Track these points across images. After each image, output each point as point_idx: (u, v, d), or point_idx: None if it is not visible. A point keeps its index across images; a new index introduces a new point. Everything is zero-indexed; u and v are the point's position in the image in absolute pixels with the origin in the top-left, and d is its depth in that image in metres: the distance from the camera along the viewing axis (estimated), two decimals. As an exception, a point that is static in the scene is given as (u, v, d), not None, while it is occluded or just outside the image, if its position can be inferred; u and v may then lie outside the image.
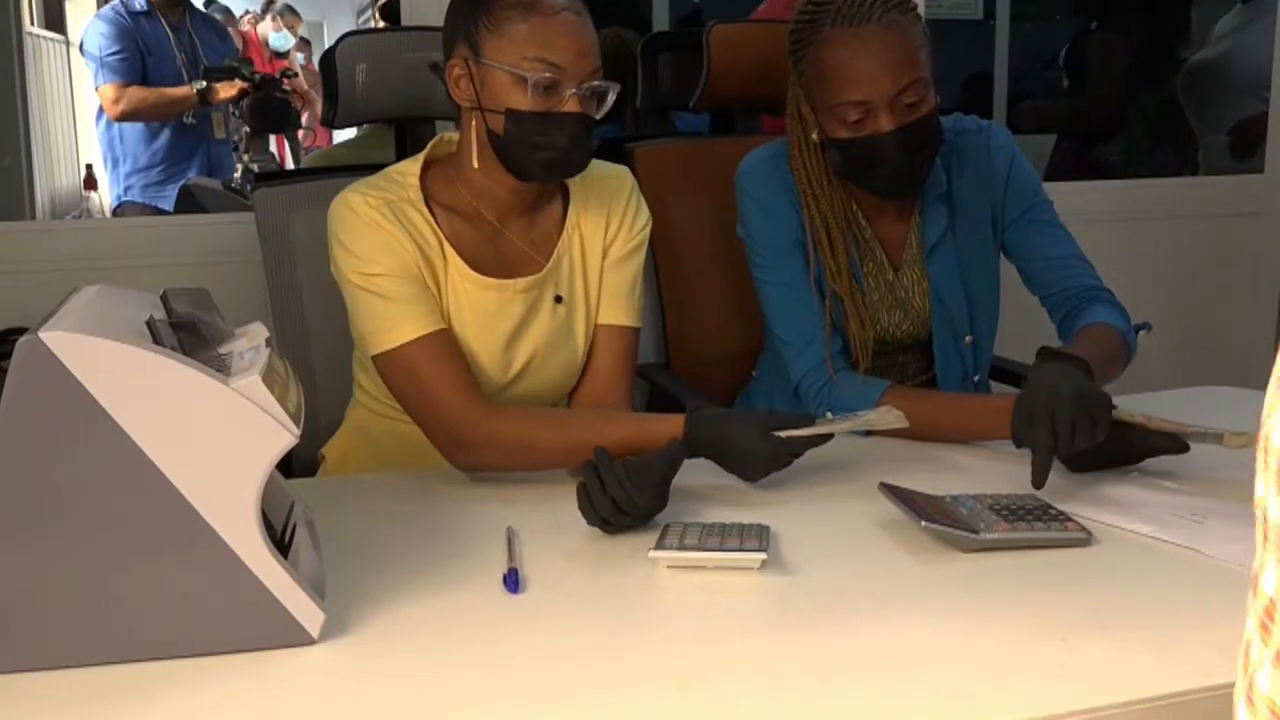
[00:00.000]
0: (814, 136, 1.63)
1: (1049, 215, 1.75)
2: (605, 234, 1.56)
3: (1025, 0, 5.44)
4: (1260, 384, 1.97)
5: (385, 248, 1.42)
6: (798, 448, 1.36)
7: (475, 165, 1.46)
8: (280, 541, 1.07)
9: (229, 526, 0.98)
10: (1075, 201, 2.73)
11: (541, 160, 1.42)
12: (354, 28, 6.31)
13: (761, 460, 1.35)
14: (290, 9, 5.67)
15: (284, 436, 0.98)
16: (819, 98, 1.59)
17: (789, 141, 1.68)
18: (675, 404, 2.07)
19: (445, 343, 1.44)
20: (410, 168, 1.49)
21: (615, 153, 2.22)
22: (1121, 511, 1.30)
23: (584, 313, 1.56)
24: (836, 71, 1.54)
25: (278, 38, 5.38)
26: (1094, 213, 2.71)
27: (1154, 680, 0.96)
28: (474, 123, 1.45)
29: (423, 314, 1.43)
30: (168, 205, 3.49)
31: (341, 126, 1.93)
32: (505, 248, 1.51)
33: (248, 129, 3.97)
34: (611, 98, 1.45)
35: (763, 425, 1.36)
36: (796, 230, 1.67)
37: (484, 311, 1.48)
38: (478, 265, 1.48)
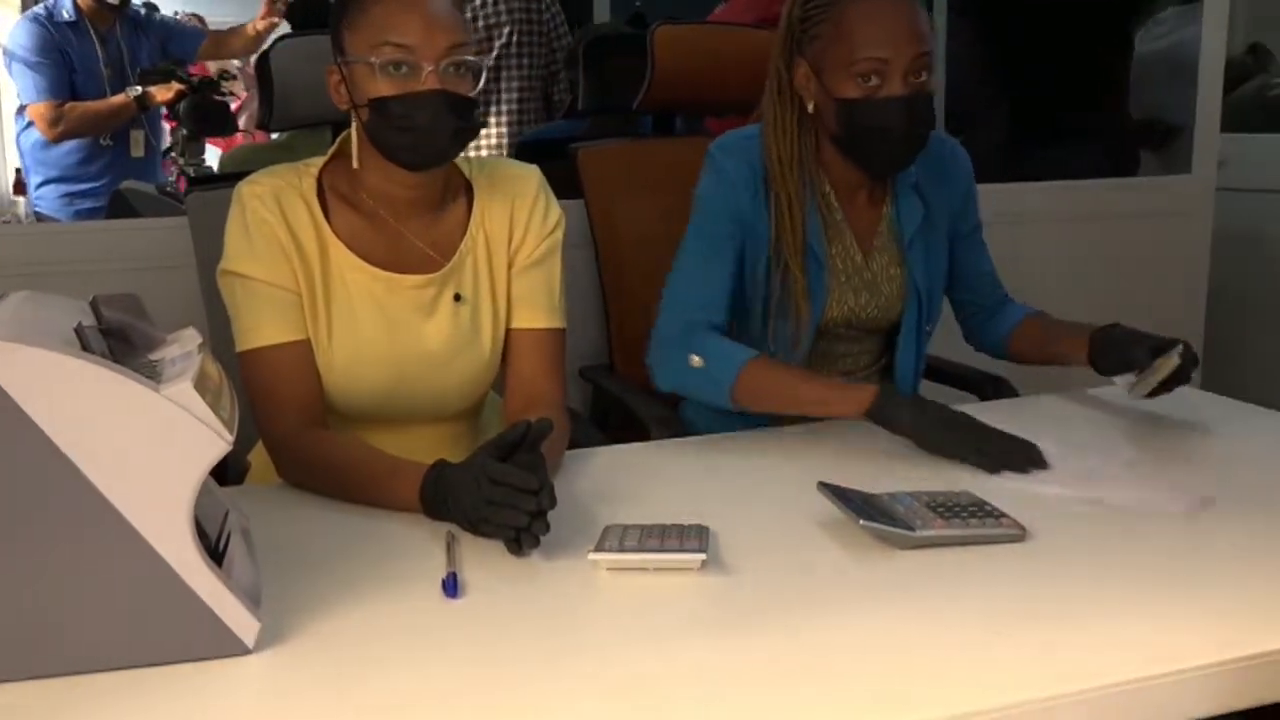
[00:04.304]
0: (811, 106, 1.68)
1: (982, 235, 1.90)
2: (510, 235, 1.55)
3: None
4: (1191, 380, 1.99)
5: (262, 252, 1.44)
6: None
7: (356, 165, 1.48)
8: (214, 550, 1.06)
9: (161, 536, 0.96)
10: (1008, 202, 2.77)
11: (405, 143, 1.42)
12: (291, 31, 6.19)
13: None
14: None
15: (217, 444, 0.97)
16: (836, 57, 1.63)
17: (765, 119, 1.72)
18: (619, 405, 2.07)
19: (299, 356, 1.46)
20: (319, 160, 1.52)
21: (560, 153, 2.22)
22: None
23: (491, 314, 1.55)
24: (863, 30, 1.60)
25: None
26: (1026, 213, 2.76)
27: (1086, 672, 0.97)
28: (354, 124, 1.46)
29: (283, 322, 1.45)
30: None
31: (277, 129, 1.91)
32: (404, 246, 1.51)
33: (185, 132, 3.91)
34: (484, 72, 1.45)
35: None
36: (745, 209, 1.69)
37: (375, 303, 1.49)
38: (368, 257, 1.49)
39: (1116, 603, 1.10)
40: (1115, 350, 1.66)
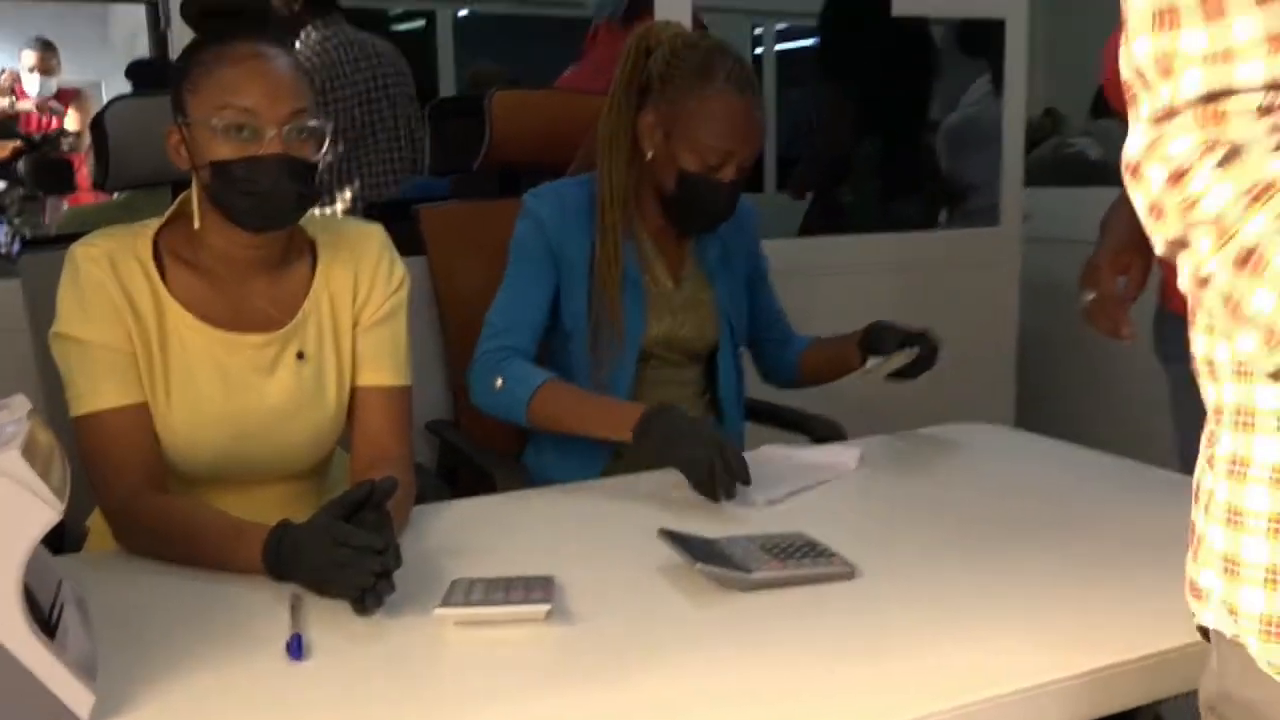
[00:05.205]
0: (649, 155, 1.79)
1: (769, 277, 2.05)
2: (355, 293, 1.53)
3: (789, 64, 5.69)
4: (1001, 418, 2.13)
5: (95, 314, 1.39)
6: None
7: (197, 226, 1.43)
8: (47, 622, 1.00)
9: (-13, 611, 0.91)
10: (838, 252, 2.86)
11: (246, 206, 1.39)
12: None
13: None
14: (47, 45, 4.91)
15: (46, 513, 0.92)
16: (688, 132, 1.74)
17: (602, 155, 1.82)
18: (465, 459, 2.05)
19: (135, 419, 1.40)
20: (155, 221, 1.47)
21: (404, 213, 2.21)
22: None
23: (335, 373, 1.52)
24: (720, 120, 1.74)
25: (48, 82, 4.88)
26: (854, 262, 2.85)
27: (917, 699, 0.99)
28: (195, 185, 1.43)
29: (118, 384, 1.39)
30: None
31: (113, 189, 1.85)
32: (244, 305, 1.47)
33: (21, 192, 3.74)
34: (326, 137, 1.43)
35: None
36: (555, 246, 1.79)
37: (214, 363, 1.44)
38: (206, 317, 1.44)
39: (943, 633, 1.13)
40: (873, 339, 1.83)
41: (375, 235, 1.57)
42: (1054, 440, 1.87)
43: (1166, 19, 0.69)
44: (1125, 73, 0.75)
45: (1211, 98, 0.68)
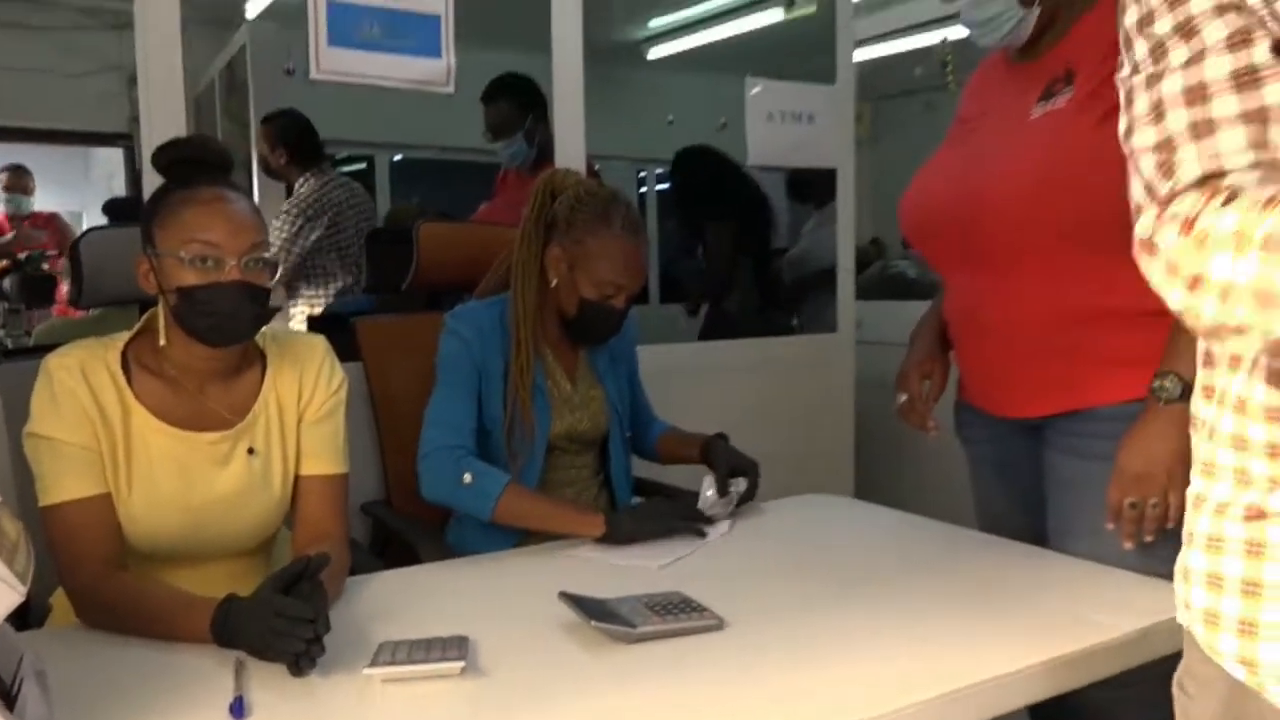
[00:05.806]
0: (553, 282, 1.79)
1: (640, 373, 2.06)
2: (300, 395, 1.50)
3: (667, 201, 5.81)
4: (843, 490, 2.15)
5: (66, 416, 1.33)
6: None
7: (164, 343, 1.39)
8: (8, 693, 0.93)
9: (-48, 685, 0.84)
10: (715, 355, 2.90)
11: (209, 325, 1.36)
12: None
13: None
14: (19, 167, 4.66)
15: (9, 595, 0.86)
16: (590, 267, 1.75)
17: (515, 281, 1.82)
18: (395, 535, 1.99)
19: (98, 509, 1.34)
20: (124, 334, 1.42)
21: (341, 325, 2.17)
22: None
23: (281, 464, 1.48)
24: (617, 259, 1.75)
25: (25, 201, 4.65)
26: (716, 364, 2.88)
27: (772, 736, 0.98)
28: (162, 307, 1.39)
29: (83, 478, 1.33)
30: None
31: (86, 307, 1.79)
32: (201, 409, 1.43)
33: (5, 306, 3.59)
34: (279, 267, 1.41)
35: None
36: (478, 359, 1.78)
37: (173, 459, 1.39)
38: (167, 419, 1.39)
39: (797, 670, 1.13)
40: (710, 452, 1.86)
41: (319, 345, 1.54)
42: (884, 508, 1.90)
43: (1165, 149, 0.75)
44: (1134, 195, 0.78)
45: (1207, 178, 0.71)
